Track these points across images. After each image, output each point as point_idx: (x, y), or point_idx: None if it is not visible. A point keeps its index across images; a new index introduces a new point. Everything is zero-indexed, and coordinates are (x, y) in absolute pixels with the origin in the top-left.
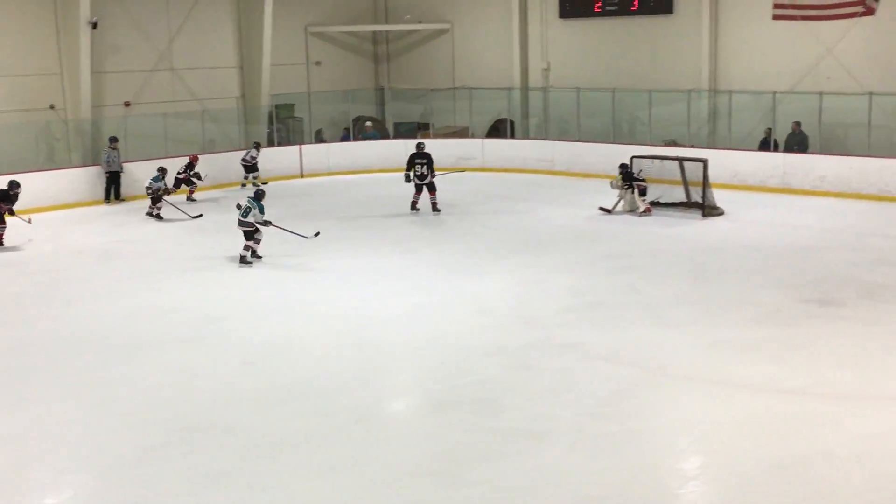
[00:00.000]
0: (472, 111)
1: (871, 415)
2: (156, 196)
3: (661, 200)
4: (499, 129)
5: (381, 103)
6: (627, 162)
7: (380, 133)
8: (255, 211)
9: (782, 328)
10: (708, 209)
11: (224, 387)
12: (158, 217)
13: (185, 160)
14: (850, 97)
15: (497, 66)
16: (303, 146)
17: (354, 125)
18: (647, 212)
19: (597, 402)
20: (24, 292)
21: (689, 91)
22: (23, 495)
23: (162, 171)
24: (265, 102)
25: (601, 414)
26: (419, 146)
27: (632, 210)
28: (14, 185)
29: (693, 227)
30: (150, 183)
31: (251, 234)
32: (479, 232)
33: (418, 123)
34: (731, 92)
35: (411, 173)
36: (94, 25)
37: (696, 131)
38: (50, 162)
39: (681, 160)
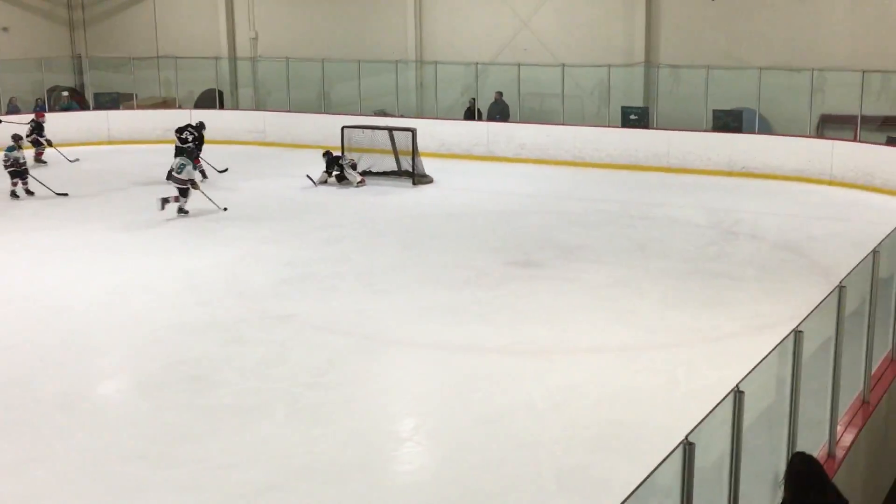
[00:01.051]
0: (178, 81)
1: (567, 368)
2: (17, 170)
3: (373, 170)
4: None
5: (80, 72)
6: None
7: (79, 104)
8: (189, 168)
9: (488, 290)
10: (417, 178)
11: None
12: (28, 192)
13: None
14: (545, 68)
15: (203, 34)
16: None
17: (50, 95)
18: (361, 183)
19: (311, 372)
20: None
21: (397, 62)
22: None
23: (16, 139)
24: None
25: (315, 384)
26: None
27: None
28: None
29: (403, 195)
30: (6, 154)
31: (184, 190)
32: (191, 206)
33: (120, 94)
34: (436, 63)
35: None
36: None
37: (405, 101)
38: None
39: (390, 130)
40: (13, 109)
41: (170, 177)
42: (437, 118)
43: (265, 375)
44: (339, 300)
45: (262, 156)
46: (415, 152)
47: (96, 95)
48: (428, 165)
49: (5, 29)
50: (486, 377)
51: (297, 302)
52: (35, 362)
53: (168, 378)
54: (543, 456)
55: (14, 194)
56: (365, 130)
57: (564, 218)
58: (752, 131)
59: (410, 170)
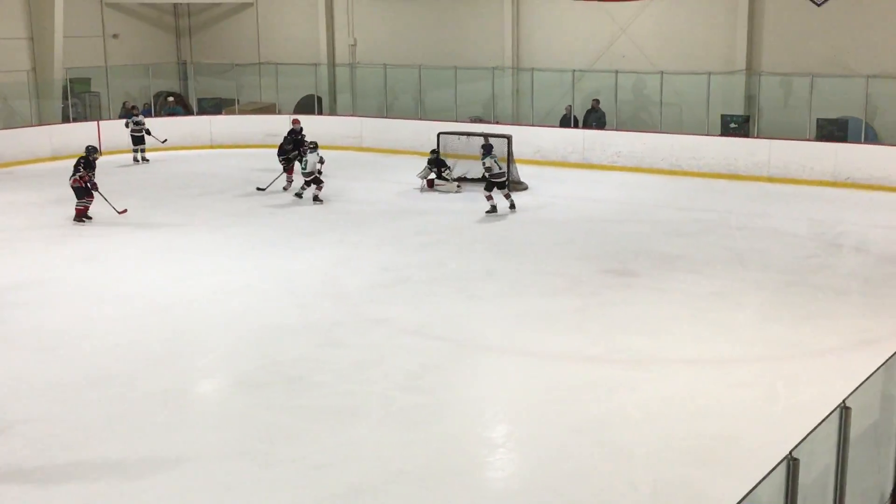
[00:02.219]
0: (278, 87)
1: (663, 379)
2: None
3: (468, 176)
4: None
5: (184, 78)
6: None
7: (183, 109)
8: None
9: (583, 298)
10: (513, 184)
11: (18, 375)
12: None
13: None
14: (643, 76)
15: (303, 41)
16: (101, 122)
17: (156, 101)
18: (459, 188)
19: (406, 375)
20: None
21: (493, 69)
22: None
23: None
24: (59, 76)
25: (410, 387)
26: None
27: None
28: (92, 151)
29: (498, 201)
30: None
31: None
32: (287, 209)
33: (222, 99)
34: (532, 70)
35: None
36: None
37: (501, 108)
38: None
39: (486, 136)
40: (127, 114)
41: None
42: (532, 125)
43: (360, 378)
44: (433, 305)
45: (359, 161)
46: (510, 159)
47: (200, 101)
48: (523, 172)
49: (116, 36)
50: (580, 386)
51: (391, 306)
52: (139, 359)
53: (266, 378)
54: (639, 467)
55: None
56: (461, 137)
57: (661, 227)
58: (857, 141)
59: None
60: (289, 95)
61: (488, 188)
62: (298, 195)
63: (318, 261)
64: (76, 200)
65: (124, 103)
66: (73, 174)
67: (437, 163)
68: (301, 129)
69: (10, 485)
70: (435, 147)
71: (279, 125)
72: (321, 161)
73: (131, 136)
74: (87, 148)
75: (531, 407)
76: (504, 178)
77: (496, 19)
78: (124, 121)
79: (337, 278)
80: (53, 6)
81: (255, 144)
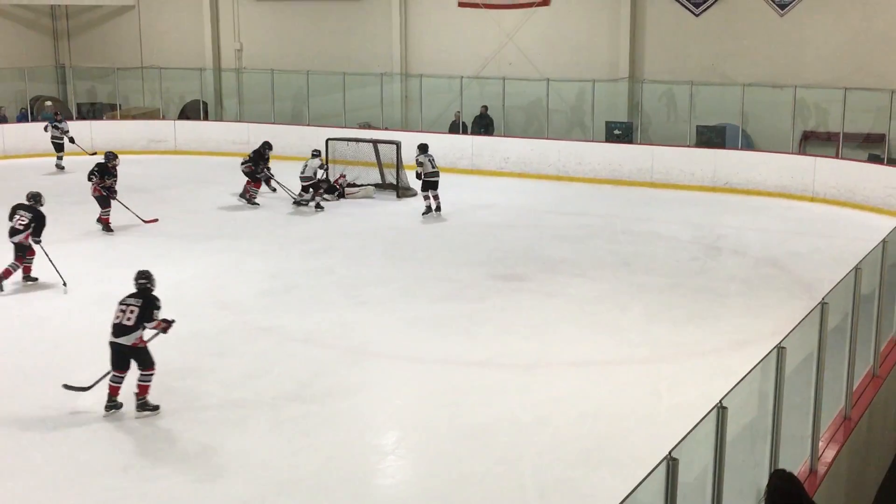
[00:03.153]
0: (162, 92)
1: (551, 381)
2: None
3: (357, 182)
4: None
5: (63, 82)
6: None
7: (61, 114)
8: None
9: (471, 303)
10: (402, 190)
11: None
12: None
13: None
14: (529, 83)
15: (188, 45)
16: None
17: (33, 105)
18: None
19: (295, 384)
20: None
21: (382, 74)
22: None
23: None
24: None
25: (299, 396)
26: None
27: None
28: (111, 157)
29: (387, 208)
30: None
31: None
32: (173, 216)
33: (104, 104)
34: (421, 76)
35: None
36: None
37: (389, 114)
38: None
39: (375, 142)
40: (1, 119)
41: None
42: (421, 131)
43: (248, 387)
44: (322, 313)
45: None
46: (399, 165)
47: (79, 105)
48: (412, 178)
49: None
50: (469, 390)
51: (280, 314)
52: (15, 374)
53: (153, 389)
54: (527, 470)
55: None
56: (349, 143)
57: (548, 232)
58: (735, 147)
59: (395, 182)
60: (173, 101)
61: (424, 188)
62: (298, 203)
63: (203, 268)
64: (100, 210)
65: (46, 105)
66: (91, 182)
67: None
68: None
69: None
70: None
71: (163, 131)
72: (322, 167)
73: (52, 142)
74: (107, 154)
75: (421, 413)
76: (437, 178)
77: (384, 25)
78: (44, 124)
79: (224, 286)
80: None
81: (138, 150)
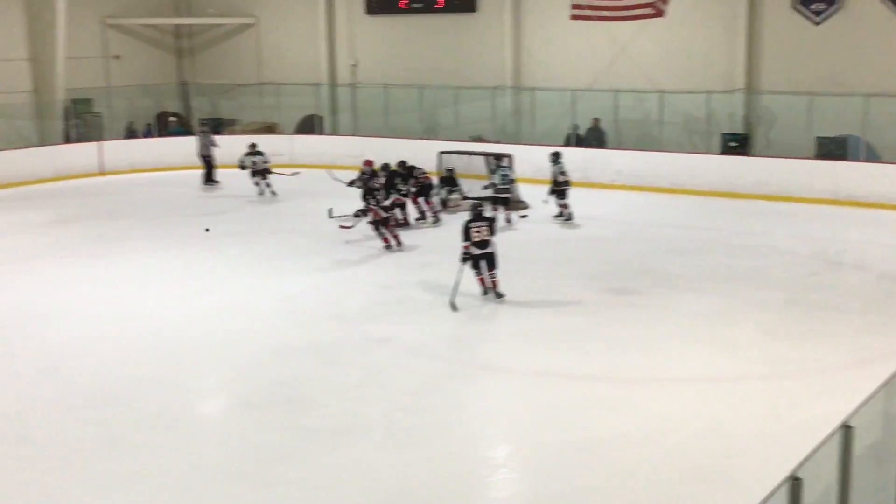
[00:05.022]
0: (280, 107)
1: (664, 397)
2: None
3: (469, 195)
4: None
5: (186, 99)
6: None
7: (185, 129)
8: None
9: (583, 317)
10: (513, 203)
11: (18, 396)
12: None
13: None
14: (643, 94)
15: (304, 61)
16: (103, 143)
17: (158, 121)
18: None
19: (407, 395)
20: None
21: (494, 88)
22: None
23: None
24: (60, 97)
25: (411, 407)
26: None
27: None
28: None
29: (499, 220)
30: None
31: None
32: (288, 229)
33: (223, 119)
34: (533, 89)
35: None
36: None
37: (501, 127)
38: None
39: (487, 156)
40: (131, 134)
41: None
42: (533, 144)
43: (361, 398)
44: (434, 324)
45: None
46: (510, 178)
47: (201, 121)
48: (523, 191)
49: (118, 57)
50: (580, 405)
51: (392, 325)
52: (138, 380)
53: (266, 397)
54: (639, 486)
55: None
56: (461, 156)
57: (661, 245)
58: (857, 159)
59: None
60: (290, 115)
61: (559, 196)
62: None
63: (317, 280)
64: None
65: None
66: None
67: (449, 182)
68: (372, 170)
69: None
70: (450, 167)
71: (280, 145)
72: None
73: (255, 170)
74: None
75: (532, 426)
76: (567, 187)
77: (496, 39)
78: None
79: (337, 298)
80: (55, 27)
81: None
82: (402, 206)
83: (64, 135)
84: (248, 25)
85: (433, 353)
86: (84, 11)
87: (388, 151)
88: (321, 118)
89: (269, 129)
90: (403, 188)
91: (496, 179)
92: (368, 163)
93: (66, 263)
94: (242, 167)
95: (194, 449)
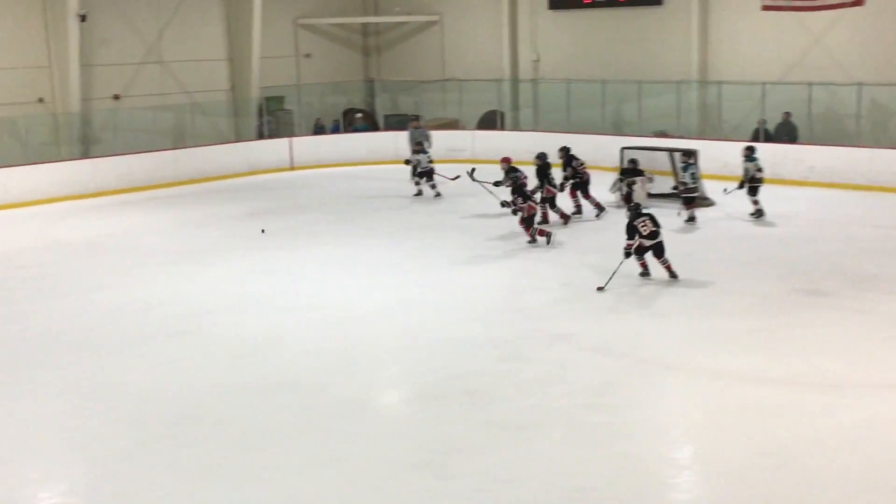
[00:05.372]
0: (462, 103)
1: (860, 403)
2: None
3: (652, 191)
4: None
5: (371, 95)
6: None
7: (370, 125)
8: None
9: (771, 318)
10: (699, 200)
11: (213, 381)
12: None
13: None
14: (838, 87)
15: (487, 57)
16: (293, 138)
17: (344, 117)
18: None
19: (588, 393)
20: (13, 286)
21: (679, 82)
22: (17, 490)
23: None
24: (255, 95)
25: (592, 405)
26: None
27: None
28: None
29: (682, 217)
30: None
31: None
32: (468, 224)
33: (408, 115)
34: (720, 83)
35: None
36: (83, 18)
37: (686, 122)
38: (39, 156)
39: (671, 151)
40: (319, 130)
41: None
42: (719, 139)
43: (542, 393)
44: (616, 322)
45: None
46: (695, 174)
47: (386, 117)
48: (709, 187)
49: (308, 55)
50: (769, 409)
51: (573, 322)
52: (325, 369)
53: (447, 391)
54: (834, 496)
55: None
56: (644, 151)
57: (857, 245)
58: None
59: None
60: (471, 111)
61: (751, 192)
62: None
63: (498, 274)
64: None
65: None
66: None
67: (632, 173)
68: (509, 167)
69: (208, 484)
70: (633, 157)
71: (461, 140)
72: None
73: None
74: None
75: (718, 429)
76: (761, 183)
77: (682, 32)
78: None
79: (518, 293)
80: (251, 29)
81: (438, 160)
82: (553, 200)
83: (257, 131)
84: (432, 23)
85: (615, 352)
86: (278, 13)
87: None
88: (502, 114)
89: (451, 124)
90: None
91: (686, 178)
92: (506, 160)
93: (256, 255)
94: (407, 163)
95: (379, 438)
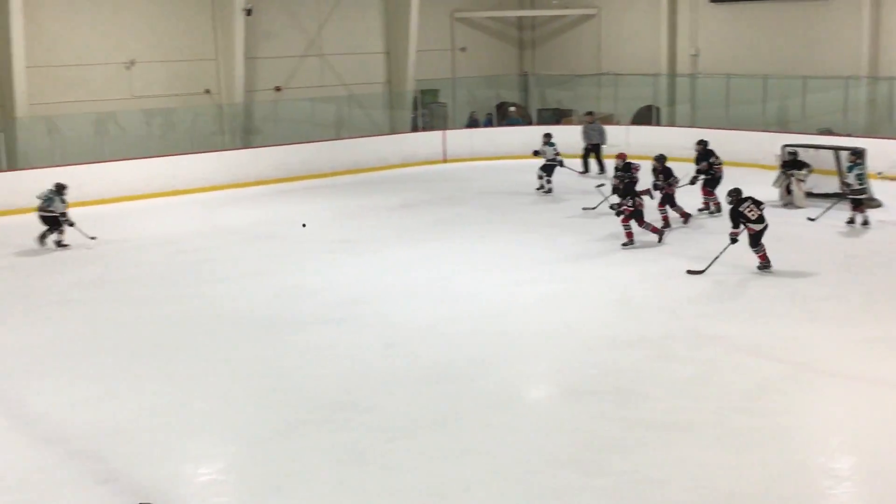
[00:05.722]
0: (616, 98)
1: None
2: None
3: (814, 191)
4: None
5: (525, 89)
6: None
7: (523, 119)
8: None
9: None
10: (866, 202)
11: (365, 368)
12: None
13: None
14: None
15: (644, 52)
16: (446, 131)
17: (498, 111)
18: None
19: (741, 396)
20: (177, 269)
21: (847, 78)
22: (180, 464)
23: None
24: (410, 88)
25: (745, 409)
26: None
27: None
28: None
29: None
30: None
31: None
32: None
33: (560, 110)
34: (892, 79)
35: None
36: (249, 12)
37: (853, 119)
38: (204, 145)
39: (836, 149)
40: (473, 123)
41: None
42: (890, 137)
43: (694, 394)
44: (772, 324)
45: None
46: (863, 173)
47: (539, 111)
48: (877, 188)
49: (463, 49)
50: None
51: (728, 323)
52: (474, 360)
53: (596, 387)
54: None
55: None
56: (808, 150)
57: None
58: None
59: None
60: (626, 106)
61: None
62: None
63: (649, 271)
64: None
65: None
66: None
67: (793, 165)
68: (624, 164)
69: (357, 469)
70: (793, 148)
71: (616, 135)
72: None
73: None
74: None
75: (881, 439)
76: None
77: (851, 25)
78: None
79: (668, 290)
80: (409, 22)
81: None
82: (672, 198)
83: (412, 124)
84: (589, 16)
85: (769, 354)
86: (435, 7)
87: (728, 144)
88: (658, 109)
89: (605, 119)
90: (661, 182)
91: (851, 180)
92: (622, 156)
93: (409, 245)
94: (536, 155)
95: (528, 431)
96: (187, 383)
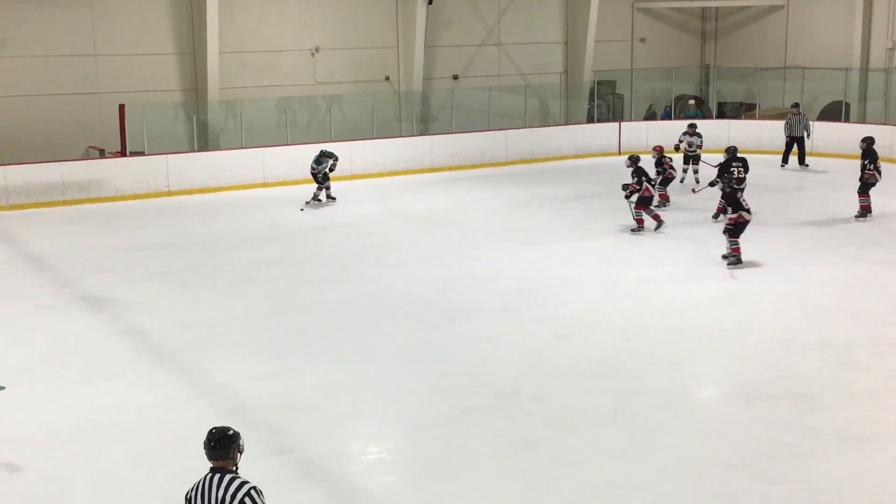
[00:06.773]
0: (803, 92)
1: None
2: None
3: None
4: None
5: (706, 82)
6: None
7: (702, 113)
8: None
9: None
10: None
11: (534, 358)
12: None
13: None
14: None
15: (834, 44)
16: (622, 123)
17: (676, 103)
18: None
19: None
20: (357, 252)
21: None
22: (350, 442)
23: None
24: (587, 78)
25: None
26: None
27: None
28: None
29: None
30: None
31: None
32: (801, 221)
33: (742, 104)
34: None
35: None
36: (430, 1)
37: None
38: (382, 131)
39: None
40: (650, 115)
41: None
42: None
43: (876, 405)
44: None
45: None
46: None
47: (719, 105)
48: None
49: (643, 40)
50: None
51: None
52: (645, 356)
53: (773, 391)
54: None
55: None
56: None
57: None
58: None
59: None
60: (813, 101)
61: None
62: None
63: (832, 275)
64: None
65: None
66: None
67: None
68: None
69: (523, 458)
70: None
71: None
72: None
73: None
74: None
75: None
76: None
77: None
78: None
79: (853, 296)
80: (589, 12)
81: (772, 151)
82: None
83: (588, 115)
84: (777, 7)
85: None
86: None
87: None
88: (848, 105)
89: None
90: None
91: None
92: (658, 149)
93: (581, 237)
94: (677, 148)
95: (697, 432)
96: (359, 364)
